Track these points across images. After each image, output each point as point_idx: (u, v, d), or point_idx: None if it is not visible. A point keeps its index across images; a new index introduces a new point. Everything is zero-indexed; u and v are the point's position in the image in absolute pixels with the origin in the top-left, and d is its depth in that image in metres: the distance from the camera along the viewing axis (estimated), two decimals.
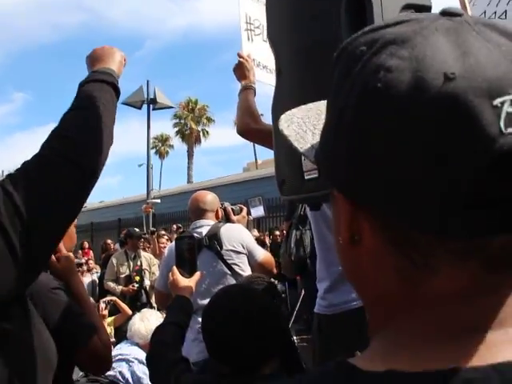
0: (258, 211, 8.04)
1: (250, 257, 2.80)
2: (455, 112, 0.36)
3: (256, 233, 8.75)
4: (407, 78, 0.37)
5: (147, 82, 10.53)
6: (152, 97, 10.45)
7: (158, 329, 1.69)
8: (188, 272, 1.94)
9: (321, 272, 2.23)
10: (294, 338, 4.99)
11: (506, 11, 2.73)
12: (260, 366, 1.33)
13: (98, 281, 7.20)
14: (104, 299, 5.05)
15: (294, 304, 6.24)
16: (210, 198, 2.90)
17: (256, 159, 35.73)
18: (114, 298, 5.23)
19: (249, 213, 7.94)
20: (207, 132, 43.51)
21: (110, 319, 4.92)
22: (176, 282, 1.88)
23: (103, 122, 1.14)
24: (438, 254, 0.40)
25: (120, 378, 3.35)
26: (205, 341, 1.42)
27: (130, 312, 4.98)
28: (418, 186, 0.37)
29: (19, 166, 1.03)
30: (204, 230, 2.77)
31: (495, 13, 2.79)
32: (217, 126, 75.38)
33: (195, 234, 2.74)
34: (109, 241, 9.53)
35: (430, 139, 0.36)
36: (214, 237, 2.71)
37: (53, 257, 1.48)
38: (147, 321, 3.64)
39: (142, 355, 3.31)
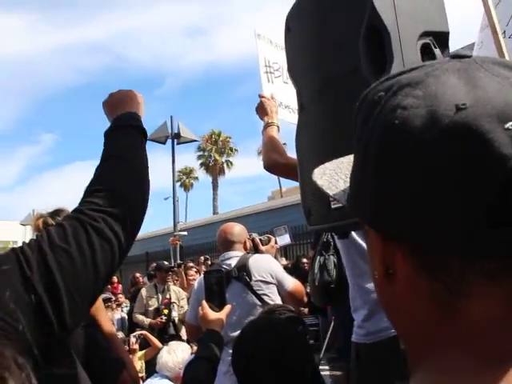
0: (285, 239, 7.99)
1: (280, 286, 2.78)
2: (469, 138, 0.38)
3: (284, 261, 8.69)
4: (422, 113, 0.40)
5: (171, 117, 10.73)
6: (176, 131, 10.61)
7: (190, 365, 1.70)
8: (217, 305, 1.95)
9: (356, 301, 2.21)
10: (326, 366, 4.90)
11: None
12: None
13: (126, 316, 7.22)
14: (134, 333, 5.06)
15: (325, 333, 6.15)
16: (238, 230, 2.92)
17: (280, 187, 35.72)
18: (144, 332, 5.23)
19: (275, 242, 7.93)
20: (231, 163, 43.87)
21: (140, 353, 4.92)
22: (206, 316, 1.89)
23: (138, 168, 1.11)
24: (470, 276, 0.40)
25: None
26: (235, 374, 1.42)
27: (160, 345, 4.97)
28: (442, 212, 0.39)
29: (57, 222, 0.99)
30: (233, 262, 2.78)
31: None
32: (240, 156, 75.77)
33: (224, 266, 2.75)
34: (137, 274, 9.58)
35: (446, 166, 0.38)
36: (242, 268, 2.71)
37: None
38: (174, 353, 3.67)
39: None
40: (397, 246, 0.43)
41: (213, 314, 1.90)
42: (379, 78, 1.12)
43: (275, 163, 1.94)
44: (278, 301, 2.78)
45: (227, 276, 2.65)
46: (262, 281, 2.73)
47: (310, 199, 1.23)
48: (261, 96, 2.22)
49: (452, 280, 0.41)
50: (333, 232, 2.42)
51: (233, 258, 2.80)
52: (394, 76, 0.46)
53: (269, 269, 2.79)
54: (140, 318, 6.08)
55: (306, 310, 6.05)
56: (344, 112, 1.17)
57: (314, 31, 1.29)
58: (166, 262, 6.67)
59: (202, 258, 7.55)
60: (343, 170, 0.54)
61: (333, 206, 1.11)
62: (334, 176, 0.54)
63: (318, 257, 3.07)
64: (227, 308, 1.97)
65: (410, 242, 0.42)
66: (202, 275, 2.85)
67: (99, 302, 1.61)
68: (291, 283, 2.86)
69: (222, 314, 1.91)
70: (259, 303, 2.68)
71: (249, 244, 2.92)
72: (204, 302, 1.95)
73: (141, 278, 9.00)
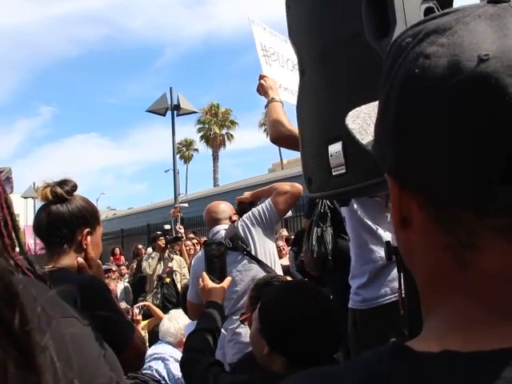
0: None
1: (266, 204, 2.75)
2: (487, 91, 0.37)
3: (285, 232, 8.72)
4: (443, 63, 0.39)
5: (170, 88, 10.60)
6: (176, 103, 10.50)
7: (191, 336, 1.73)
8: (218, 277, 1.99)
9: (355, 269, 2.26)
10: None
11: None
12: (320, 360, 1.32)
13: (129, 286, 7.31)
14: (137, 304, 5.13)
15: None
16: (222, 207, 2.95)
17: (281, 159, 35.68)
18: (147, 303, 5.29)
19: None
20: (231, 135, 43.71)
21: (143, 323, 4.99)
22: (207, 288, 1.91)
23: None
24: (481, 231, 0.41)
25: (156, 375, 3.43)
26: (271, 331, 1.39)
27: (163, 315, 5.03)
28: (456, 163, 0.39)
29: None
30: (222, 234, 2.79)
31: None
32: (241, 129, 75.54)
33: (217, 239, 2.77)
34: (140, 246, 9.64)
35: (464, 118, 0.38)
36: (235, 237, 2.72)
37: (86, 265, 1.54)
38: (175, 321, 3.75)
39: (177, 353, 3.38)
40: (413, 195, 0.44)
41: (213, 286, 1.92)
42: (382, 42, 1.10)
43: (282, 135, 1.95)
44: (276, 257, 2.80)
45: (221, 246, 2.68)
46: (252, 239, 2.71)
47: (311, 167, 1.23)
48: (261, 75, 2.27)
49: (463, 233, 0.41)
50: (333, 199, 2.43)
51: (221, 231, 2.81)
52: (424, 21, 0.44)
53: (246, 215, 2.78)
54: (148, 263, 6.10)
55: None
56: (346, 76, 1.17)
57: None
58: (158, 232, 6.69)
59: (191, 235, 7.57)
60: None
61: (334, 173, 1.11)
62: (367, 120, 0.54)
63: (315, 228, 3.09)
64: (228, 280, 1.99)
65: (424, 192, 0.42)
66: (201, 251, 2.88)
67: (101, 271, 1.65)
68: (271, 188, 2.83)
69: (222, 286, 1.93)
70: (261, 268, 2.70)
71: (235, 217, 2.92)
72: (204, 274, 1.97)
73: (143, 250, 9.06)
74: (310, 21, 1.30)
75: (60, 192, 1.57)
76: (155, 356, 3.56)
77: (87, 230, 1.59)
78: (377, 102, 0.54)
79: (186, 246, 6.67)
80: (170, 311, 4.29)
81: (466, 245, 0.41)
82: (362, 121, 0.54)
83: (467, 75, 0.38)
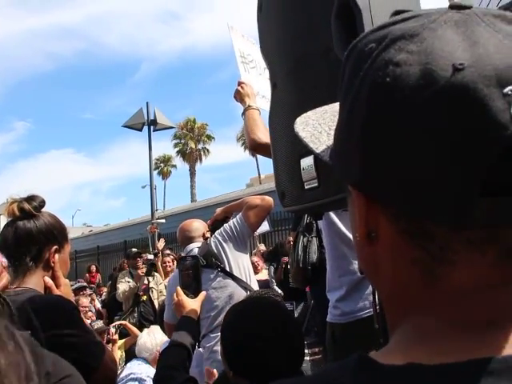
0: (263, 227, 8.01)
1: (237, 219, 2.73)
2: (465, 102, 0.36)
3: (263, 247, 8.71)
4: (416, 72, 0.38)
5: (147, 103, 10.56)
6: (152, 118, 10.46)
7: (164, 352, 1.68)
8: (193, 292, 1.95)
9: (332, 281, 2.24)
10: (306, 350, 4.94)
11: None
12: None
13: (103, 305, 7.16)
14: (114, 324, 5.03)
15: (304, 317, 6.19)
16: (196, 225, 2.94)
17: (259, 174, 35.78)
18: (123, 322, 5.20)
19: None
20: (208, 150, 43.72)
21: (120, 342, 4.89)
22: (181, 303, 1.87)
23: None
24: (455, 245, 0.39)
25: None
26: (228, 355, 1.39)
27: (140, 334, 4.96)
28: (431, 177, 0.37)
29: None
30: (196, 252, 2.77)
31: None
32: (218, 144, 75.68)
33: None
34: (116, 269, 9.46)
35: (441, 130, 0.37)
36: (208, 254, 2.71)
37: (53, 284, 1.50)
38: (153, 335, 3.72)
39: (152, 372, 3.31)
40: (381, 209, 0.42)
41: (188, 301, 1.88)
42: None
43: (258, 143, 1.93)
44: (251, 272, 2.78)
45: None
46: (225, 255, 2.69)
47: (284, 181, 1.22)
48: (239, 82, 2.24)
49: (436, 247, 0.40)
50: (306, 213, 2.43)
51: (194, 249, 2.80)
52: (386, 25, 0.42)
53: (219, 231, 2.76)
54: (121, 287, 6.00)
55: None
56: (317, 91, 1.17)
57: (287, 9, 1.27)
58: (134, 249, 6.60)
59: (168, 251, 7.50)
60: (327, 121, 0.51)
61: (306, 187, 1.10)
62: (317, 127, 0.51)
63: (302, 237, 3.09)
64: (202, 295, 1.96)
65: (395, 207, 0.41)
66: (176, 270, 2.84)
67: (70, 290, 1.60)
68: (240, 203, 2.81)
69: (197, 301, 1.90)
70: (235, 284, 2.67)
71: (208, 234, 2.89)
72: (179, 289, 1.94)
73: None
74: (280, 35, 1.30)
75: (28, 208, 1.53)
76: (132, 376, 3.49)
77: (55, 247, 1.54)
78: (323, 109, 0.53)
79: (163, 263, 6.59)
80: (151, 326, 4.23)
81: (437, 259, 0.40)
82: (312, 128, 0.51)
83: (443, 86, 0.36)
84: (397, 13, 1.16)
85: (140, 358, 3.69)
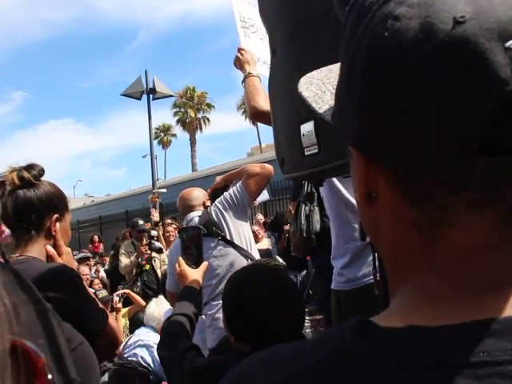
0: (263, 196, 7.98)
1: (236, 187, 2.73)
2: (465, 56, 0.35)
3: (261, 216, 8.73)
4: (415, 25, 0.37)
5: (145, 72, 10.41)
6: (151, 87, 10.33)
7: (168, 322, 1.70)
8: (194, 263, 1.95)
9: (337, 249, 2.24)
10: (307, 318, 5.01)
11: None
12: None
13: (106, 275, 7.21)
14: (117, 292, 5.10)
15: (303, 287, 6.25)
16: (196, 194, 2.92)
17: (260, 143, 35.63)
18: (127, 291, 5.27)
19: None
20: (208, 119, 43.47)
21: (123, 311, 4.97)
22: (183, 273, 1.89)
23: None
24: (454, 206, 0.39)
25: (142, 362, 3.45)
26: (230, 320, 1.42)
27: (143, 303, 5.02)
28: (430, 134, 0.37)
29: None
30: (196, 221, 2.77)
31: None
32: (218, 112, 75.22)
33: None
34: (119, 238, 9.49)
35: (440, 85, 0.36)
36: (209, 223, 2.71)
37: (55, 253, 1.51)
38: (161, 305, 3.85)
39: None
40: (381, 169, 0.41)
41: (190, 271, 1.89)
42: None
43: (259, 110, 1.91)
44: (252, 240, 2.79)
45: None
46: (225, 222, 2.70)
47: (284, 147, 1.21)
48: (239, 48, 2.19)
49: (435, 208, 0.39)
50: (307, 180, 2.42)
51: (195, 218, 2.79)
52: None
53: (219, 200, 2.76)
54: (124, 263, 6.06)
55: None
56: (316, 54, 1.15)
57: None
58: (140, 221, 6.58)
59: (169, 220, 7.47)
60: (331, 80, 0.50)
61: (306, 153, 1.09)
62: (321, 87, 0.50)
63: (303, 206, 3.08)
64: (204, 265, 1.96)
65: (394, 165, 0.40)
66: (178, 240, 2.84)
67: (71, 258, 1.61)
68: (240, 171, 2.80)
69: (199, 271, 1.91)
70: (237, 252, 2.69)
71: (208, 202, 2.88)
72: (181, 259, 1.94)
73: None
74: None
75: (27, 176, 1.52)
76: (140, 343, 3.59)
77: (56, 216, 1.54)
78: (328, 68, 0.51)
79: (166, 232, 6.62)
80: (159, 296, 4.33)
81: (436, 220, 0.40)
82: (316, 88, 0.50)
83: (442, 39, 0.35)
84: None
85: (148, 326, 3.80)
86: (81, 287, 1.44)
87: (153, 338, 3.58)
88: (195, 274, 1.89)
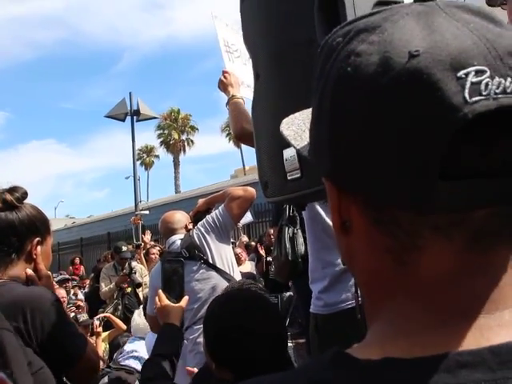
0: (247, 218, 7.99)
1: (219, 211, 2.72)
2: (420, 86, 0.37)
3: (246, 238, 8.72)
4: (375, 60, 0.39)
5: (130, 93, 10.47)
6: (135, 108, 10.38)
7: (147, 364, 1.65)
8: (176, 297, 1.92)
9: (315, 273, 2.24)
10: (290, 341, 4.98)
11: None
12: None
13: (84, 298, 7.09)
14: (98, 316, 5.01)
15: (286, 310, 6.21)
16: (178, 217, 2.92)
17: (244, 165, 35.74)
18: (107, 315, 5.19)
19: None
20: (192, 141, 43.53)
21: (104, 335, 4.87)
22: (164, 308, 1.82)
23: None
24: (423, 231, 0.40)
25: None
26: (211, 346, 1.38)
27: (124, 327, 4.94)
28: (392, 163, 0.38)
29: None
30: (178, 244, 2.75)
31: None
32: (202, 135, 75.31)
33: (173, 249, 2.73)
34: (101, 261, 9.35)
35: (398, 115, 0.37)
36: (191, 246, 2.70)
37: (35, 275, 1.49)
38: (144, 316, 3.81)
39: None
40: (352, 198, 0.43)
41: (171, 307, 1.82)
42: None
43: (245, 132, 1.92)
44: (234, 263, 2.78)
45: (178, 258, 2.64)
46: (208, 246, 2.68)
47: (267, 171, 1.22)
48: (224, 71, 2.22)
49: (404, 234, 0.40)
50: (289, 204, 2.43)
51: (177, 241, 2.78)
52: (353, 21, 0.44)
53: (201, 223, 2.75)
54: (106, 288, 5.98)
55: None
56: (300, 82, 1.17)
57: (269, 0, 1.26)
58: (124, 248, 6.49)
59: (152, 242, 7.41)
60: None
61: (289, 177, 1.10)
62: (302, 126, 0.53)
63: (287, 228, 3.07)
64: (185, 299, 1.92)
65: (362, 194, 0.41)
66: (159, 264, 2.81)
67: (51, 282, 1.59)
68: (224, 194, 2.79)
69: (180, 305, 1.85)
70: (218, 275, 2.67)
71: (191, 225, 2.87)
72: (161, 293, 1.89)
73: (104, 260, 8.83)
74: (263, 25, 1.29)
75: (10, 199, 1.51)
76: (133, 354, 3.62)
77: (37, 239, 1.53)
78: (310, 109, 0.54)
79: (151, 254, 6.56)
80: (140, 307, 4.32)
81: (406, 246, 0.41)
82: (297, 127, 0.53)
83: (399, 71, 0.37)
84: (379, 3, 1.17)
85: (137, 338, 3.84)
86: (60, 312, 1.42)
87: (143, 350, 3.58)
88: (176, 310, 1.82)
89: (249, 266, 7.25)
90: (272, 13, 1.25)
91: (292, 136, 0.52)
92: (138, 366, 3.46)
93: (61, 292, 5.44)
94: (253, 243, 8.12)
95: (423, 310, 0.41)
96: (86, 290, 7.86)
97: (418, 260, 0.40)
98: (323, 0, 1.11)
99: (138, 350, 3.63)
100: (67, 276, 7.95)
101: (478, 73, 0.36)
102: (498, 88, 0.36)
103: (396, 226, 0.40)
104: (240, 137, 1.97)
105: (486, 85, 0.36)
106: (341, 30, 0.44)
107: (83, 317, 4.85)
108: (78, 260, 11.29)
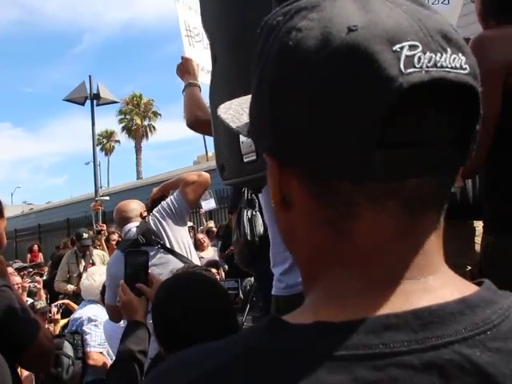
0: (210, 204, 7.99)
1: (174, 196, 2.73)
2: (358, 58, 0.39)
3: (212, 224, 8.71)
4: (316, 34, 0.41)
5: (89, 77, 10.20)
6: (95, 92, 10.11)
7: (113, 367, 1.60)
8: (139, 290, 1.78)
9: (276, 256, 2.27)
10: (252, 325, 5.03)
11: None
12: None
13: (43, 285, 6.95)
14: (56, 303, 4.91)
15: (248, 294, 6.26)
16: (133, 205, 2.91)
17: (207, 152, 35.50)
18: (66, 301, 5.09)
19: (200, 206, 7.85)
20: (154, 127, 42.93)
21: (62, 322, 4.79)
22: (128, 303, 1.72)
23: None
24: (359, 200, 0.42)
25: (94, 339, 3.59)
26: (159, 331, 1.38)
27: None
28: (329, 134, 0.40)
29: None
30: (134, 231, 2.74)
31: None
32: (164, 120, 74.44)
33: (130, 237, 2.72)
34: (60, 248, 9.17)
35: (336, 86, 0.39)
36: (147, 232, 2.69)
37: None
38: (91, 279, 3.92)
39: (103, 312, 3.46)
40: (292, 172, 0.44)
41: (136, 302, 1.73)
42: None
43: (197, 120, 1.92)
44: (191, 246, 2.79)
45: (136, 245, 2.62)
46: (164, 230, 2.69)
47: (224, 154, 1.23)
48: (182, 57, 2.22)
49: (342, 204, 0.42)
50: (246, 186, 2.45)
51: (132, 229, 2.77)
52: (293, 1, 0.46)
53: (157, 208, 2.75)
54: (62, 285, 5.90)
55: (219, 274, 6.15)
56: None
57: None
58: (85, 234, 6.37)
59: (112, 229, 7.29)
60: (248, 105, 0.53)
61: (245, 160, 1.11)
62: (239, 110, 0.54)
63: (245, 211, 3.08)
64: (150, 292, 1.77)
65: (303, 167, 0.43)
66: (118, 252, 2.77)
67: (4, 267, 1.56)
68: (178, 179, 2.81)
69: (144, 300, 1.75)
70: (177, 260, 2.67)
71: (145, 213, 2.85)
72: (125, 286, 1.79)
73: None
74: (221, 8, 1.29)
75: None
76: (92, 322, 3.67)
77: None
78: (247, 96, 0.55)
79: (112, 240, 6.47)
80: (88, 269, 4.46)
81: (344, 216, 0.42)
82: (234, 111, 0.54)
83: (338, 45, 0.39)
84: None
85: (87, 301, 3.88)
86: (10, 297, 1.39)
87: (98, 313, 3.63)
88: (141, 306, 1.73)
89: (211, 252, 7.25)
90: None
91: (230, 119, 0.53)
92: (93, 330, 3.56)
93: (15, 279, 5.31)
94: (214, 229, 8.12)
95: (355, 276, 0.43)
96: (45, 277, 7.70)
97: (353, 228, 0.42)
98: None
99: (82, 313, 3.70)
100: (24, 264, 7.75)
101: (412, 47, 0.39)
102: (429, 62, 0.39)
103: (334, 197, 0.42)
104: (192, 125, 1.98)
105: (419, 58, 0.39)
106: (281, 9, 0.46)
107: (40, 304, 4.74)
108: (36, 247, 11.04)
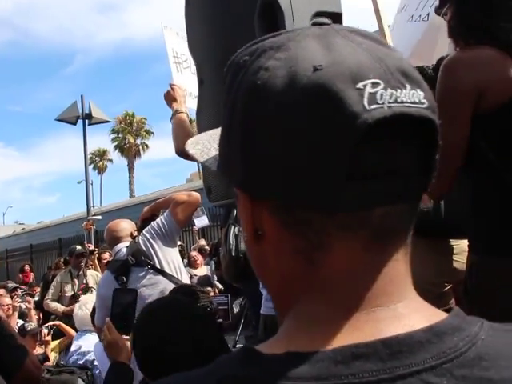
0: (203, 221, 7.98)
1: (164, 216, 2.74)
2: (323, 96, 0.40)
3: (203, 242, 8.68)
4: (282, 74, 0.42)
5: (81, 96, 10.25)
6: (87, 111, 10.15)
7: None
8: (126, 330, 1.76)
9: None
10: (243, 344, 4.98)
11: (428, 13, 2.96)
12: None
13: (35, 306, 6.87)
14: (47, 324, 4.85)
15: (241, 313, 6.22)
16: (123, 225, 2.92)
17: (199, 169, 35.50)
18: (57, 323, 5.02)
19: (193, 223, 7.82)
20: (146, 145, 42.95)
21: (54, 344, 4.73)
22: (113, 343, 1.70)
23: None
24: (330, 230, 0.43)
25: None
26: (138, 359, 1.37)
27: (75, 334, 4.82)
28: (303, 167, 0.41)
29: None
30: (124, 251, 2.75)
31: (420, 16, 3.03)
32: (157, 138, 74.49)
33: (119, 259, 2.72)
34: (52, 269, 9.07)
35: (303, 124, 0.41)
36: (137, 252, 2.69)
37: None
38: (85, 308, 3.94)
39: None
40: (263, 204, 0.45)
41: (122, 343, 1.70)
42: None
43: (183, 149, 1.93)
44: (182, 267, 2.80)
45: (126, 265, 2.63)
46: (153, 250, 2.68)
47: (211, 177, 1.24)
48: (170, 84, 2.24)
49: (313, 234, 0.43)
50: (233, 207, 2.45)
51: (122, 249, 2.77)
52: (258, 41, 0.47)
53: (147, 229, 2.75)
54: (53, 305, 5.81)
55: (213, 292, 6.12)
56: None
57: (214, 5, 1.29)
58: (78, 247, 6.39)
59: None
60: (216, 140, 0.54)
61: None
62: (207, 145, 0.55)
63: (233, 226, 3.08)
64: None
65: (274, 199, 0.44)
66: (108, 273, 2.77)
67: None
68: (169, 199, 2.81)
69: (128, 343, 1.70)
70: (167, 280, 2.67)
71: (136, 233, 2.86)
72: (110, 324, 1.78)
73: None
74: (208, 30, 1.31)
75: None
76: (79, 351, 3.71)
77: None
78: (215, 130, 0.56)
79: (104, 259, 6.43)
80: (80, 298, 4.43)
81: (316, 246, 0.43)
82: (202, 146, 0.55)
83: (305, 83, 0.41)
84: (318, 14, 1.21)
85: (83, 331, 3.89)
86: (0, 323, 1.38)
87: (92, 341, 3.58)
88: (126, 348, 1.69)
89: (204, 270, 7.22)
90: (215, 18, 1.27)
91: (199, 154, 0.54)
92: (81, 362, 3.55)
93: (6, 300, 5.24)
94: (207, 247, 8.10)
95: (326, 304, 0.43)
96: (37, 297, 7.62)
97: (324, 257, 0.43)
98: (264, 7, 1.14)
99: (82, 344, 3.67)
100: (15, 284, 7.67)
101: (374, 84, 0.41)
102: (390, 98, 0.41)
103: (306, 227, 0.43)
104: (181, 153, 1.99)
105: (381, 95, 0.40)
106: (246, 49, 0.48)
107: (31, 325, 4.69)
108: (27, 267, 10.92)
